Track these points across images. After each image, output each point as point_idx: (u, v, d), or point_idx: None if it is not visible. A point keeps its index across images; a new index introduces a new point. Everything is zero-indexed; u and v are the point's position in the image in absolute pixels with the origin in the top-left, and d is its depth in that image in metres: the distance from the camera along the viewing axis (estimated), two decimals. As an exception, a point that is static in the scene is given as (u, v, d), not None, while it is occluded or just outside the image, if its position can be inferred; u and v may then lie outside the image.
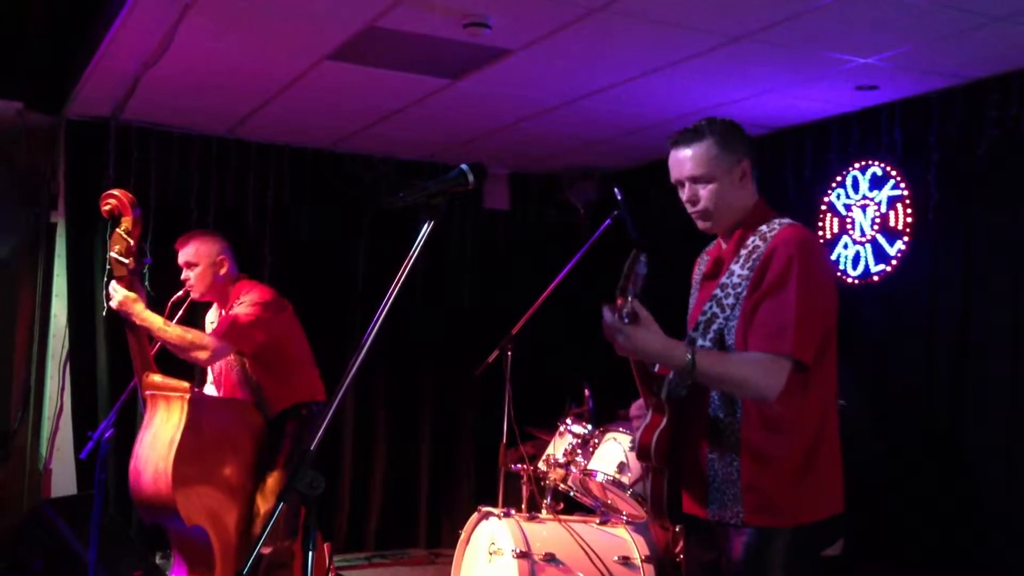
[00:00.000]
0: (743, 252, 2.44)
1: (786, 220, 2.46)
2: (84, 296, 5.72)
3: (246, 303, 3.96)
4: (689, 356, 2.25)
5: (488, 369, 4.68)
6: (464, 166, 2.04)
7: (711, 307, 2.45)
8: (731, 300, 2.40)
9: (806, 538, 2.38)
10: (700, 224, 2.51)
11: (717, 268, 2.52)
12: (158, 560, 5.13)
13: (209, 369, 4.23)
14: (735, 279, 2.42)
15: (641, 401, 2.56)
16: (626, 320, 2.20)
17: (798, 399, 2.34)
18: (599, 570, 4.09)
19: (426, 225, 1.97)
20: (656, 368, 2.50)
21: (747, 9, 3.73)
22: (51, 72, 5.37)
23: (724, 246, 2.54)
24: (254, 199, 6.11)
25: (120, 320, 3.82)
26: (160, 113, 5.58)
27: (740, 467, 2.36)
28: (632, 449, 3.53)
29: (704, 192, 2.45)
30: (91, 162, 5.70)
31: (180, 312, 4.10)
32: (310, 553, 1.78)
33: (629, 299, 2.19)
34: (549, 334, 5.98)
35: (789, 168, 5.34)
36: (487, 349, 4.70)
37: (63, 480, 5.61)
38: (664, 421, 2.43)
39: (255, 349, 3.95)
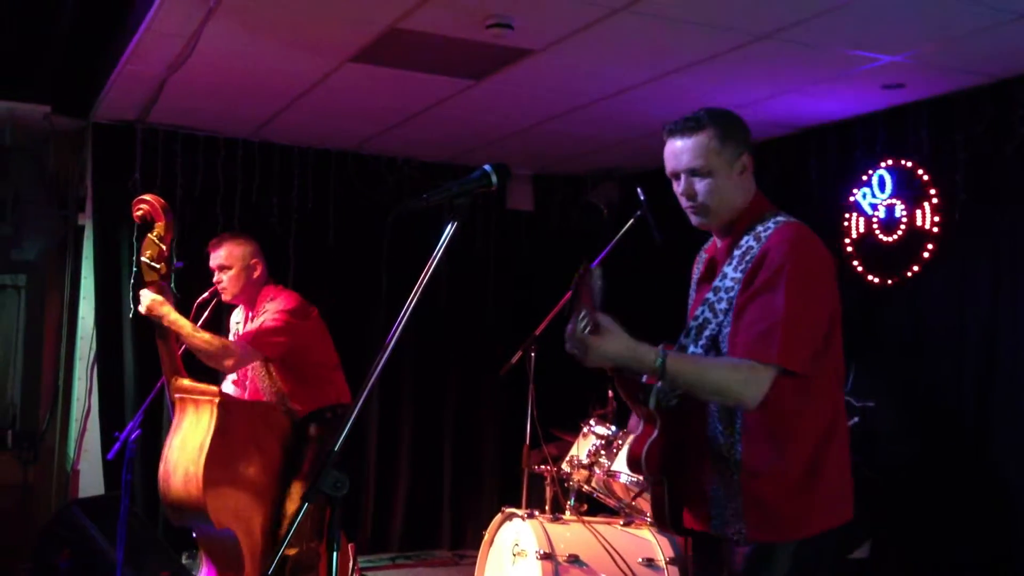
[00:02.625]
0: (736, 253, 2.31)
1: (781, 218, 2.33)
2: (112, 298, 5.77)
3: (272, 310, 3.97)
4: (659, 360, 2.15)
5: (512, 370, 4.68)
6: (487, 167, 2.03)
7: (703, 312, 2.33)
8: (723, 305, 2.29)
9: (812, 550, 2.26)
10: (694, 220, 2.37)
11: (711, 271, 2.41)
12: (184, 560, 5.16)
13: None
14: (728, 282, 2.30)
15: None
16: (587, 332, 2.12)
17: (800, 407, 2.23)
18: (623, 572, 4.08)
19: (450, 226, 1.96)
20: (644, 378, 2.36)
21: (771, 7, 3.71)
22: (78, 76, 5.43)
23: (719, 244, 2.42)
24: (279, 201, 6.14)
25: (148, 323, 3.84)
26: (185, 116, 5.62)
27: (741, 481, 2.25)
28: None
29: (701, 186, 2.31)
30: (118, 165, 5.75)
31: (206, 314, 4.12)
32: (334, 554, 1.79)
33: (585, 312, 2.12)
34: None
35: (814, 167, 5.30)
36: (511, 350, 4.69)
37: (91, 480, 5.66)
38: (656, 431, 2.32)
39: (280, 356, 3.97)
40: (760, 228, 2.31)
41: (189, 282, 5.08)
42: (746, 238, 2.31)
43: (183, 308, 4.01)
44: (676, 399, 2.32)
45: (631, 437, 2.40)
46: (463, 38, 4.13)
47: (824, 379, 2.27)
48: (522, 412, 4.58)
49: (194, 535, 3.98)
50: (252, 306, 4.12)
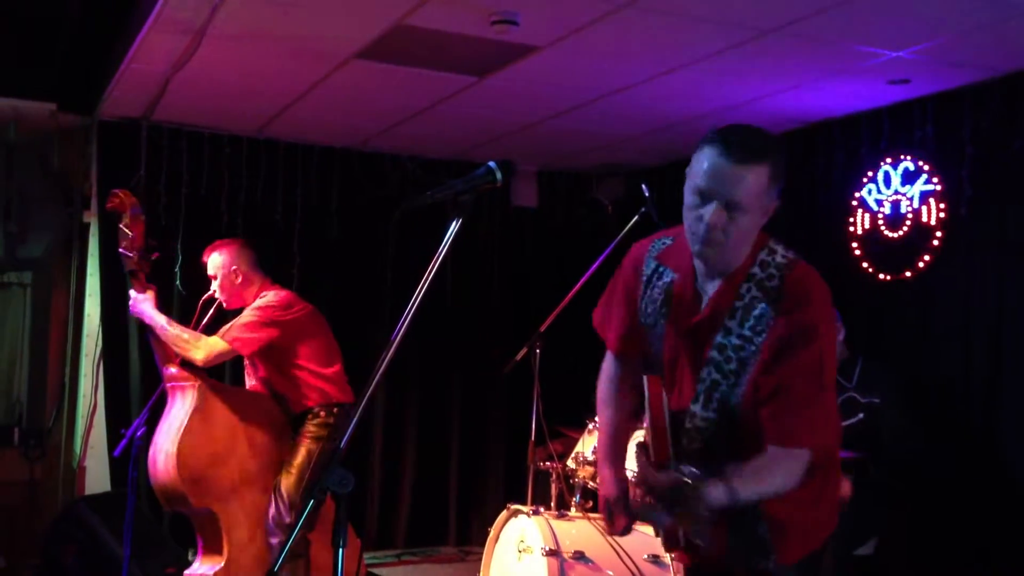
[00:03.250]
0: (739, 305, 2.14)
1: (780, 256, 2.17)
2: (117, 295, 5.76)
3: (251, 308, 4.07)
4: (729, 497, 2.03)
5: (517, 367, 4.68)
6: (492, 163, 2.01)
7: (709, 374, 2.18)
8: (733, 365, 2.15)
9: (816, 559, 2.32)
10: (701, 250, 2.12)
11: (711, 323, 2.18)
12: (190, 557, 5.17)
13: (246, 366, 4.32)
14: (734, 340, 2.14)
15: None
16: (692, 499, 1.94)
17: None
18: (629, 568, 4.08)
19: (454, 223, 1.95)
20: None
21: (776, 2, 3.70)
22: (83, 74, 5.43)
23: (708, 288, 2.20)
24: (283, 198, 6.14)
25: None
26: (190, 114, 5.63)
27: (764, 509, 2.22)
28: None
29: (734, 225, 2.07)
30: (123, 162, 5.75)
31: (211, 311, 4.17)
32: (340, 551, 1.79)
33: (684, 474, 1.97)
34: (578, 331, 5.97)
35: (819, 164, 5.29)
36: (516, 347, 4.69)
37: (97, 477, 5.67)
38: None
39: (256, 352, 4.03)
40: (760, 274, 2.14)
41: (196, 280, 5.10)
42: (746, 286, 2.14)
43: (189, 305, 4.06)
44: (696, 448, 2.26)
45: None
46: (468, 34, 4.13)
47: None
48: (527, 409, 4.58)
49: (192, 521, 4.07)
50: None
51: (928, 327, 4.76)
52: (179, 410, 3.87)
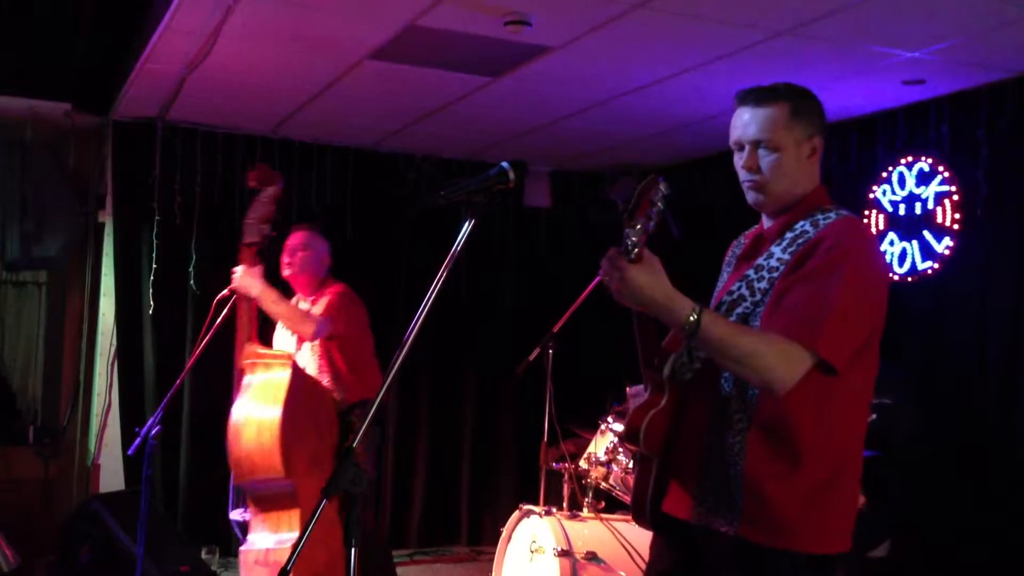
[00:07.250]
0: (788, 235, 2.15)
1: (844, 211, 2.17)
2: (132, 294, 5.81)
3: (335, 293, 4.34)
4: (695, 314, 1.95)
5: (529, 367, 4.67)
6: (505, 163, 2.01)
7: (740, 287, 2.17)
8: (764, 284, 2.12)
9: (814, 570, 2.06)
10: (750, 196, 2.21)
11: (755, 248, 2.24)
12: (204, 555, 5.19)
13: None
14: (773, 262, 2.13)
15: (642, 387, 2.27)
16: (632, 257, 1.90)
17: (827, 405, 2.06)
18: (641, 569, 4.07)
19: (467, 223, 1.95)
20: (664, 342, 2.20)
21: (790, 3, 3.69)
22: (99, 74, 5.46)
23: (767, 226, 2.25)
24: (297, 198, 6.16)
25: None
26: (205, 113, 5.65)
27: (744, 468, 2.06)
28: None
29: (765, 161, 2.15)
30: (138, 162, 5.79)
31: (224, 311, 4.16)
32: (352, 550, 1.79)
33: (638, 227, 1.91)
34: (591, 332, 5.97)
35: (834, 163, 5.26)
36: (528, 347, 4.69)
37: (111, 475, 5.70)
38: (663, 402, 2.13)
39: (345, 332, 4.28)
40: (820, 216, 2.14)
41: (210, 278, 5.12)
42: (802, 223, 2.15)
43: (202, 302, 4.04)
44: (692, 373, 2.16)
45: (633, 404, 2.21)
46: (481, 35, 4.13)
47: (859, 382, 2.11)
48: (540, 409, 4.58)
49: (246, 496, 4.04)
50: (314, 293, 4.40)
51: (943, 328, 4.73)
52: (268, 383, 3.88)
